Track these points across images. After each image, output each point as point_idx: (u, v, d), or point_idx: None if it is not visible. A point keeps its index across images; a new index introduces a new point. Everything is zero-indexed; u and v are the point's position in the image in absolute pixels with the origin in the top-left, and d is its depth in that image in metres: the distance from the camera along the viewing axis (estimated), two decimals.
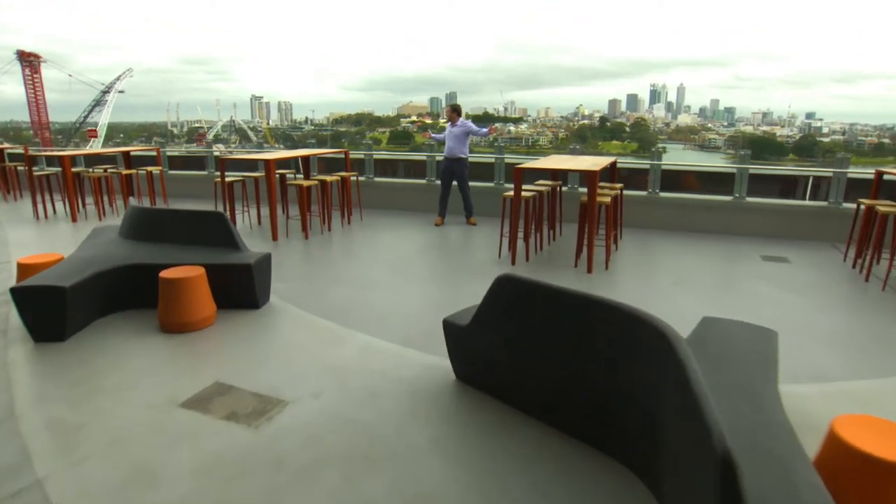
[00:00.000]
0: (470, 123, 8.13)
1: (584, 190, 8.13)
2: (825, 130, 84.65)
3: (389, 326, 4.35)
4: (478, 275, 5.67)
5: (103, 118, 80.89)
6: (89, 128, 75.53)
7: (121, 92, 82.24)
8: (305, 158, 8.77)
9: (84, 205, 9.02)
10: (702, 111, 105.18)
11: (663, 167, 7.90)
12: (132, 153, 10.25)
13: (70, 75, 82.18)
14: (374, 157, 9.77)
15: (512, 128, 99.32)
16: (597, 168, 5.58)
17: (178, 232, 4.87)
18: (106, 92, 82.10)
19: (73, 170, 9.04)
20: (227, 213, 7.55)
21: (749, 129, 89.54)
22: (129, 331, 4.10)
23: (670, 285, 5.39)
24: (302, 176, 8.96)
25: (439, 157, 8.91)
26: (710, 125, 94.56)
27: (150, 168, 9.30)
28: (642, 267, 6.06)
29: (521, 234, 6.19)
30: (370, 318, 4.52)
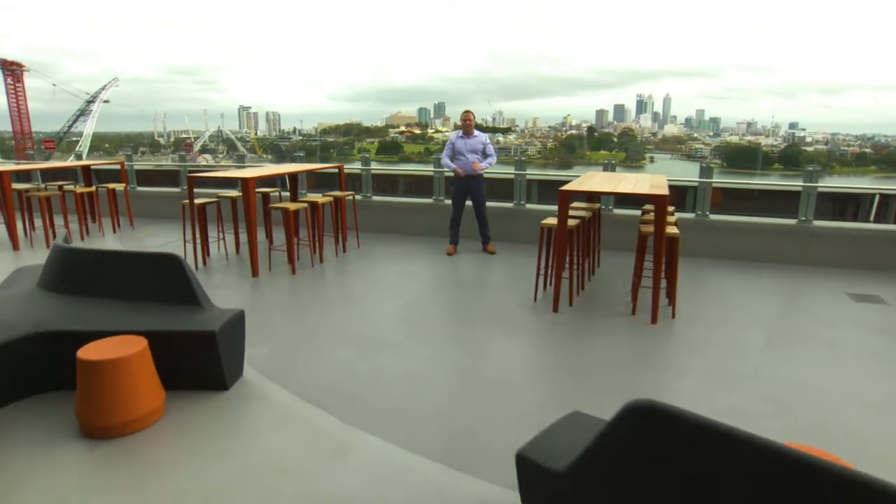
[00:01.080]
0: (486, 138, 6.88)
1: (626, 213, 6.92)
2: (808, 140, 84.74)
3: (409, 418, 3.07)
4: (516, 329, 4.40)
5: (88, 128, 78.82)
6: (46, 138, 73.19)
7: (106, 102, 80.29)
8: (293, 175, 7.46)
9: (34, 228, 7.64)
10: (688, 121, 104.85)
11: (714, 185, 6.69)
12: (94, 167, 8.88)
13: (54, 84, 79.94)
14: (372, 171, 8.47)
15: (500, 138, 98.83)
16: (666, 191, 4.35)
17: (116, 282, 3.54)
18: (91, 102, 80.00)
19: (20, 186, 7.65)
20: (199, 241, 6.21)
21: (734, 138, 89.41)
22: (33, 435, 2.78)
23: (763, 344, 4.15)
24: (288, 195, 7.63)
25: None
26: (696, 135, 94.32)
27: (111, 185, 7.93)
28: (713, 312, 4.81)
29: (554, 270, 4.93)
30: (381, 403, 3.24)
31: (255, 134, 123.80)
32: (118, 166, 8.79)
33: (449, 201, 7.78)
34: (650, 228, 4.47)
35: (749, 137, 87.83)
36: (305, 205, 6.05)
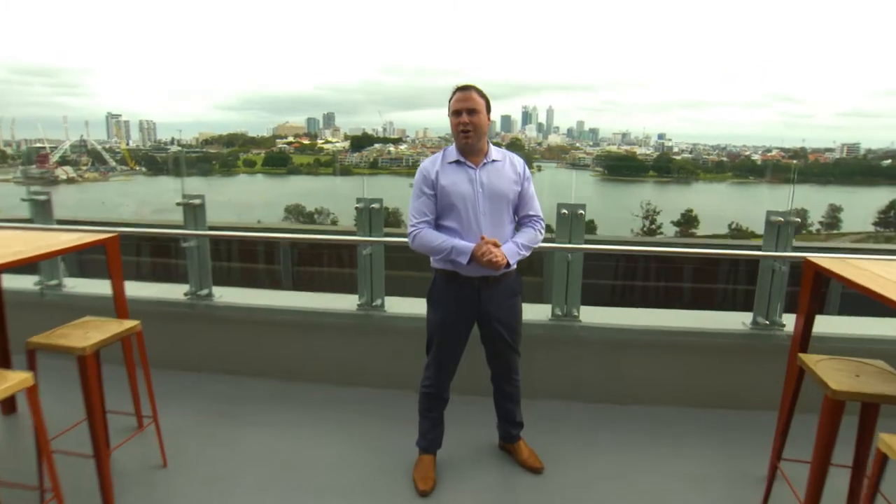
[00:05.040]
0: (524, 168, 2.52)
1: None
2: (675, 150, 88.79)
3: None
4: None
5: None
6: None
7: None
8: None
9: None
10: (569, 132, 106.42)
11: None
12: None
13: None
14: (217, 235, 3.74)
15: (392, 148, 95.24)
16: None
17: None
18: None
19: None
20: None
21: (613, 148, 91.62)
22: None
23: None
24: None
25: (395, 238, 3.23)
26: (577, 145, 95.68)
27: None
28: None
29: None
30: None
31: (127, 144, 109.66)
32: None
33: (410, 310, 3.38)
34: None
35: (625, 147, 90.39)
36: None
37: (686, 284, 4.53)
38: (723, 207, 56.17)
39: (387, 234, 3.46)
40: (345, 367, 3.63)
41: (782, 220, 3.15)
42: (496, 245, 2.36)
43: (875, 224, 51.61)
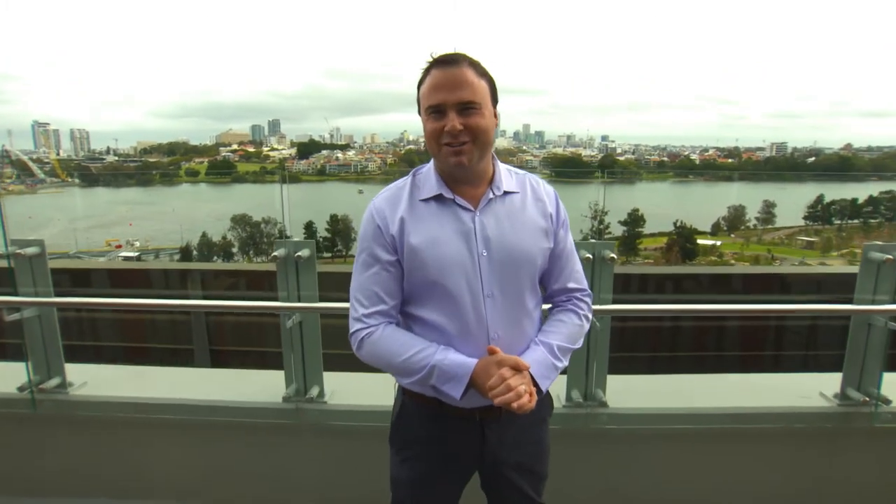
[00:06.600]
0: (556, 202, 1.37)
1: None
2: (619, 151, 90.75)
3: None
4: None
5: None
6: None
7: None
8: None
9: None
10: (516, 135, 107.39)
11: None
12: None
13: None
14: (71, 296, 2.44)
15: (340, 154, 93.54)
16: None
17: None
18: None
19: None
20: None
21: (559, 150, 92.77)
22: None
23: None
24: None
25: (334, 304, 2.02)
26: (524, 147, 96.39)
27: None
28: None
29: None
30: None
31: (57, 154, 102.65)
32: None
33: (363, 399, 2.22)
34: None
35: (570, 149, 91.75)
36: None
37: (712, 324, 3.56)
38: (667, 206, 57.39)
39: (322, 294, 2.27)
40: (269, 483, 2.45)
41: (891, 257, 2.19)
42: (516, 367, 1.23)
43: (805, 218, 53.84)
